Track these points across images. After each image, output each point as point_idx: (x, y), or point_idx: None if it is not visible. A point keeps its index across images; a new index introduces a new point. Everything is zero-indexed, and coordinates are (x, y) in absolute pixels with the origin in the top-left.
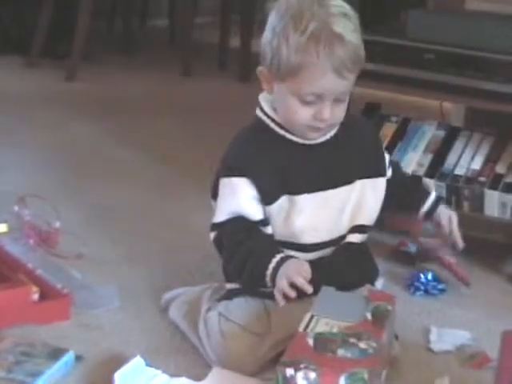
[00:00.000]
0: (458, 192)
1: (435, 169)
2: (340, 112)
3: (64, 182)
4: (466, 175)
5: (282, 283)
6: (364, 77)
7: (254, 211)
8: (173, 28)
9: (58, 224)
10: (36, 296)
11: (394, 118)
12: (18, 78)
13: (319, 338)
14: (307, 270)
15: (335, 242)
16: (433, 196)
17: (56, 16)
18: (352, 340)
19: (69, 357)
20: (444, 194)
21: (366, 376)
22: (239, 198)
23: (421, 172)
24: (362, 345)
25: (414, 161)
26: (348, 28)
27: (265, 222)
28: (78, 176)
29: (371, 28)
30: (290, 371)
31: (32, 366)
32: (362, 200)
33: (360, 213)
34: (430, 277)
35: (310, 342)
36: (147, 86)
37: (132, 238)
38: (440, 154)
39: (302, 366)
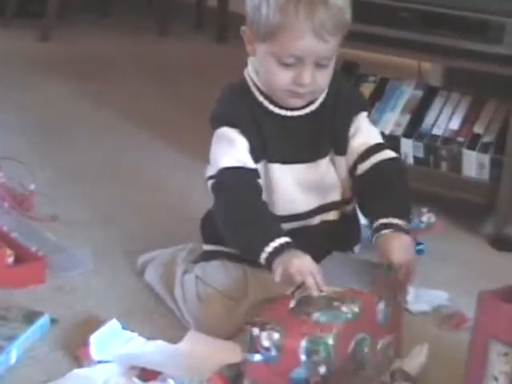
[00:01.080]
0: (436, 152)
1: (413, 129)
2: (322, 78)
3: (39, 144)
4: (443, 135)
5: (294, 275)
6: None
7: (250, 160)
8: None
9: (32, 186)
10: (11, 259)
11: (371, 78)
12: None
13: (302, 300)
14: (319, 271)
15: (309, 215)
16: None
17: None
18: (335, 303)
19: (44, 320)
20: (422, 154)
21: (330, 341)
22: (237, 146)
23: (399, 132)
24: (344, 308)
25: (391, 121)
26: None
27: (258, 174)
28: (52, 138)
29: None
30: (255, 330)
31: (7, 330)
32: (329, 177)
33: (330, 190)
34: None
35: (291, 304)
36: (123, 45)
37: (107, 199)
38: (418, 114)
39: (267, 326)
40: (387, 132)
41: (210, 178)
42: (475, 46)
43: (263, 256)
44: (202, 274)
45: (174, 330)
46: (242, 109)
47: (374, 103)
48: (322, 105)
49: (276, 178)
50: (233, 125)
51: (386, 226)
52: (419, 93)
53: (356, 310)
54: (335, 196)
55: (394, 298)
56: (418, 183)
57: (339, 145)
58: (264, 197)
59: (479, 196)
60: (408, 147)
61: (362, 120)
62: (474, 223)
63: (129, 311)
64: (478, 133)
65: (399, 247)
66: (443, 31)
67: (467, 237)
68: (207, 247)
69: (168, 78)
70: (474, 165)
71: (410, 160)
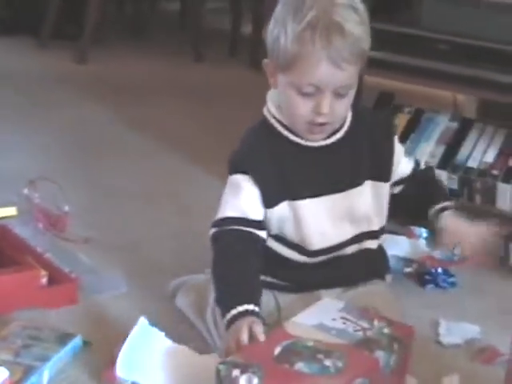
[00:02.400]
0: (471, 184)
1: (448, 160)
2: (340, 108)
3: (74, 165)
4: (478, 168)
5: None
6: (378, 66)
7: (255, 211)
8: (184, 12)
9: (66, 208)
10: (44, 280)
11: (407, 109)
12: (28, 59)
13: (288, 348)
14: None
15: (343, 245)
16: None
17: None
18: (319, 356)
19: (76, 342)
20: (456, 186)
21: None
22: (242, 195)
23: (433, 163)
24: (327, 362)
25: (426, 152)
26: (350, 18)
27: (262, 225)
28: (87, 159)
29: (385, 16)
30: (235, 372)
31: (40, 350)
32: (366, 205)
33: (366, 219)
34: (440, 270)
35: (277, 350)
36: (157, 69)
37: (141, 222)
38: (453, 145)
39: (249, 369)
40: (422, 163)
41: (213, 226)
42: (511, 79)
43: (227, 317)
44: None
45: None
46: (260, 151)
47: (409, 134)
48: (348, 132)
49: (304, 213)
50: (245, 172)
51: (446, 208)
52: (454, 124)
53: (340, 364)
54: (371, 226)
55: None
56: None
57: (381, 171)
58: (293, 235)
59: None
60: (442, 179)
61: (397, 144)
62: (507, 256)
63: None
64: None
65: (465, 226)
66: (480, 64)
67: (500, 270)
68: None
69: (202, 103)
70: (508, 198)
71: None
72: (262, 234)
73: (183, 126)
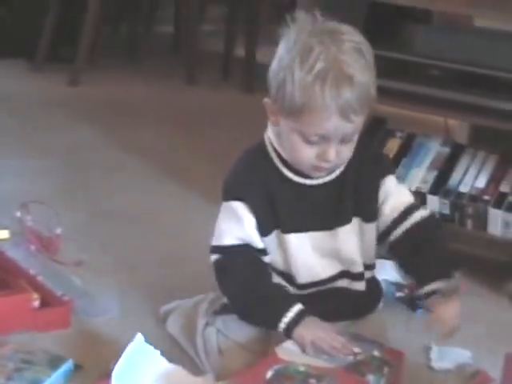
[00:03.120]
0: (462, 210)
1: (439, 186)
2: (346, 152)
3: (66, 188)
4: (470, 193)
5: (320, 341)
6: None
7: (256, 238)
8: (178, 35)
9: (59, 230)
10: (37, 303)
11: (399, 134)
12: (22, 81)
13: (279, 372)
14: (337, 338)
15: (332, 280)
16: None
17: (61, 20)
18: (311, 380)
19: (68, 366)
20: (448, 211)
21: None
22: (244, 223)
23: (425, 188)
24: None
25: (418, 177)
26: (359, 66)
27: (265, 251)
28: (79, 182)
29: (377, 42)
30: None
31: (32, 373)
32: (352, 244)
33: (350, 259)
34: None
35: (268, 374)
36: (151, 92)
37: (133, 246)
38: (444, 171)
39: None
40: (413, 188)
41: (213, 252)
42: (503, 105)
43: (282, 327)
44: (223, 327)
45: None
46: (253, 179)
47: (400, 159)
48: (344, 171)
49: (293, 246)
50: (240, 198)
51: (435, 292)
52: (446, 150)
53: None
54: (357, 267)
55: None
56: None
57: (367, 211)
58: (281, 266)
59: (504, 255)
60: (434, 204)
61: (389, 184)
62: (498, 282)
63: None
64: (504, 191)
65: (451, 314)
66: (472, 89)
67: (491, 295)
68: None
69: (194, 126)
70: (499, 223)
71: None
72: (267, 259)
73: (176, 150)
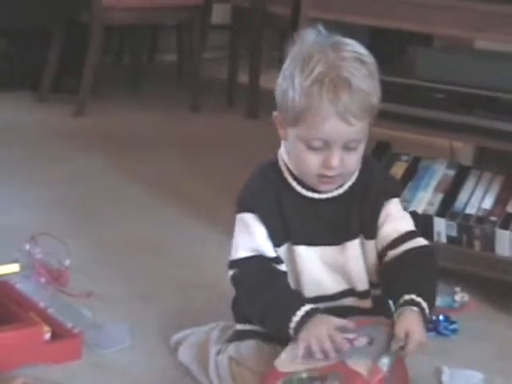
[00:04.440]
0: (469, 231)
1: (446, 208)
2: (351, 161)
3: (73, 219)
4: (476, 214)
5: (311, 343)
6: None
7: (268, 248)
8: (181, 63)
9: (68, 262)
10: (48, 335)
11: (404, 157)
12: (27, 113)
13: (288, 381)
14: (337, 334)
15: (339, 296)
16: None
17: (65, 51)
18: (316, 383)
19: None
20: (455, 233)
21: None
22: (255, 234)
23: (432, 211)
24: None
25: (424, 200)
26: (358, 73)
27: (279, 259)
28: (87, 213)
29: (380, 66)
30: None
31: None
32: (357, 260)
33: (357, 275)
34: (441, 317)
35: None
36: (155, 121)
37: (142, 275)
38: (450, 193)
39: None
40: (420, 211)
41: (230, 267)
42: (508, 127)
43: (292, 326)
44: (235, 354)
45: None
46: (265, 192)
47: (406, 182)
48: (352, 188)
49: (301, 259)
50: (251, 210)
51: (409, 302)
52: (451, 172)
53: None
54: (362, 285)
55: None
56: (451, 262)
57: (368, 229)
58: (290, 279)
59: None
60: (441, 226)
61: (392, 206)
62: (507, 302)
63: None
64: (511, 212)
65: (418, 327)
66: (475, 111)
67: (500, 316)
68: (240, 326)
69: (199, 154)
70: (507, 244)
71: (443, 239)
72: (282, 267)
73: (182, 177)
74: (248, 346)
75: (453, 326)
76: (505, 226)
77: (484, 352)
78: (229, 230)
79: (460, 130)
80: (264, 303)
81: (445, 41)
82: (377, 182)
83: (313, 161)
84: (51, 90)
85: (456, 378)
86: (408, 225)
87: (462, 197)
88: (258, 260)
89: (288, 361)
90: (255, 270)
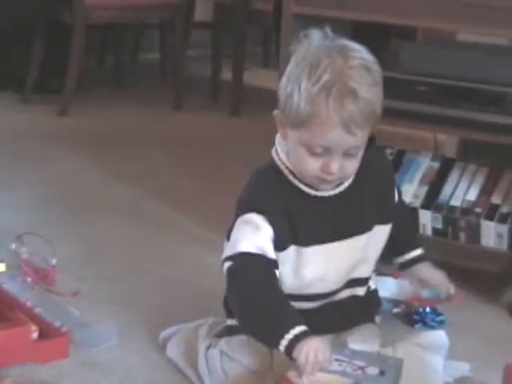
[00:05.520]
0: (455, 223)
1: (431, 200)
2: (351, 166)
3: (59, 219)
4: (461, 206)
5: (304, 362)
6: None
7: (271, 250)
8: (164, 61)
9: (54, 261)
10: (35, 335)
11: (389, 151)
12: (11, 113)
13: None
14: (328, 357)
15: (338, 291)
16: (415, 253)
17: (48, 52)
18: None
19: None
20: (441, 225)
21: None
22: (261, 233)
23: (417, 203)
24: None
25: (409, 193)
26: (365, 82)
27: (277, 264)
28: (72, 212)
29: None
30: None
31: None
32: (367, 251)
33: (362, 265)
34: (428, 309)
35: None
36: (139, 119)
37: (129, 273)
38: (435, 185)
39: None
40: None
41: (227, 259)
42: (491, 118)
43: (283, 343)
44: (226, 348)
45: None
46: (271, 195)
47: None
48: (355, 180)
49: (308, 259)
50: (261, 212)
51: (418, 258)
52: (436, 164)
53: None
54: (364, 272)
55: None
56: (437, 254)
57: (385, 213)
58: (291, 277)
59: (498, 266)
60: (426, 218)
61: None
62: (493, 293)
63: None
64: (495, 203)
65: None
66: (460, 104)
67: (487, 307)
68: (231, 322)
69: (183, 152)
70: (492, 235)
71: (429, 231)
72: (277, 273)
73: (165, 176)
74: (239, 340)
75: (439, 318)
76: (490, 218)
77: (471, 343)
78: (213, 227)
79: (444, 122)
80: (258, 307)
81: (428, 34)
82: (388, 172)
83: (313, 165)
84: (35, 91)
85: (443, 369)
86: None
87: (447, 189)
88: (261, 259)
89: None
90: (258, 270)
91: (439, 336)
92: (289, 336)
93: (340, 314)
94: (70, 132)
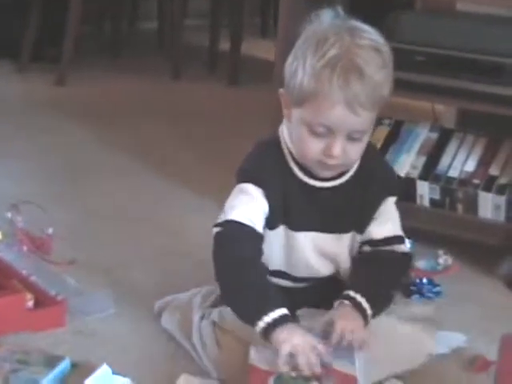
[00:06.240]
0: (452, 194)
1: (429, 171)
2: (354, 151)
3: (56, 188)
4: (459, 177)
5: (296, 353)
6: None
7: (260, 225)
8: (162, 31)
9: (51, 230)
10: (31, 303)
11: (386, 121)
12: (7, 83)
13: (279, 380)
14: (314, 349)
15: (327, 278)
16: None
17: (45, 20)
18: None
19: (65, 364)
20: (438, 196)
21: None
22: (255, 206)
23: (414, 174)
24: None
25: (407, 163)
26: (373, 62)
27: (263, 238)
28: (69, 181)
29: None
30: None
31: (28, 374)
32: (345, 252)
33: (344, 262)
34: (424, 280)
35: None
36: (137, 89)
37: (125, 243)
38: (433, 156)
39: None
40: (403, 174)
41: (217, 225)
42: (490, 89)
43: (261, 325)
44: (219, 319)
45: (195, 374)
46: (271, 171)
47: (389, 146)
48: (353, 179)
49: (296, 243)
50: (259, 184)
51: (349, 298)
52: (434, 135)
53: None
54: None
55: None
56: (434, 225)
57: (361, 223)
58: (281, 258)
59: (495, 237)
60: (424, 189)
61: (387, 206)
62: (490, 264)
63: (151, 355)
64: (493, 174)
65: (348, 321)
66: (458, 74)
67: (483, 278)
68: None
69: (181, 121)
70: (489, 206)
71: (426, 202)
72: (263, 247)
73: (164, 146)
74: (231, 311)
75: (436, 289)
76: (487, 189)
77: (467, 314)
78: (210, 197)
79: (442, 92)
80: (239, 281)
81: (426, 3)
82: (379, 177)
83: (314, 146)
84: (31, 59)
85: (439, 340)
86: (394, 229)
87: (445, 160)
88: (250, 232)
89: (265, 360)
90: (244, 240)
91: (424, 309)
92: (268, 319)
93: (321, 294)
94: (67, 101)
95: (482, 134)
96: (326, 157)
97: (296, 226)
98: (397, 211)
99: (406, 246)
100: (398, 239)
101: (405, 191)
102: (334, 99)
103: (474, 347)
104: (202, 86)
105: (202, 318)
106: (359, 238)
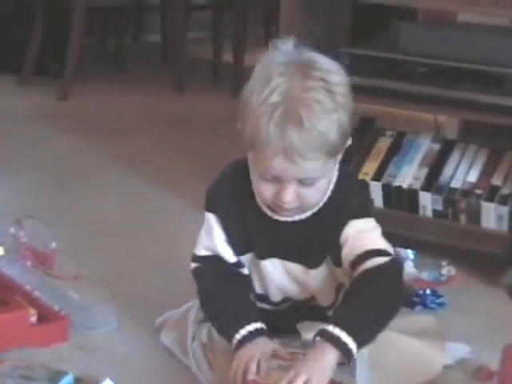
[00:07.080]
0: (455, 205)
1: (431, 182)
2: (309, 196)
3: (59, 202)
4: (462, 188)
5: (239, 364)
6: (357, 91)
7: (228, 253)
8: (165, 43)
9: (54, 245)
10: (34, 318)
11: (389, 133)
12: (10, 96)
13: None
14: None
15: (307, 300)
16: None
17: (47, 33)
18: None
19: (68, 379)
20: (441, 207)
21: None
22: (214, 236)
23: (417, 185)
24: None
25: (410, 174)
26: (318, 108)
27: (239, 264)
28: (72, 196)
29: (363, 41)
30: None
31: None
32: (316, 284)
33: (317, 295)
34: (428, 291)
35: None
36: (140, 102)
37: (128, 257)
38: (436, 167)
39: None
40: (405, 186)
41: (192, 260)
42: (492, 99)
43: (237, 338)
44: (208, 339)
45: None
46: (230, 198)
47: (391, 157)
48: (320, 211)
49: (267, 270)
50: (216, 212)
51: (325, 334)
52: (436, 146)
53: None
54: (325, 302)
55: None
56: (437, 236)
57: (332, 255)
58: (256, 284)
59: (498, 247)
60: (427, 200)
61: (349, 230)
62: (493, 275)
63: (153, 370)
64: (496, 185)
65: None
66: (460, 85)
67: (487, 288)
68: None
69: (184, 133)
70: (492, 217)
71: (429, 213)
72: (244, 270)
73: (167, 158)
74: None
75: (440, 300)
76: (490, 199)
77: (471, 325)
78: None
79: (444, 103)
80: (217, 308)
81: (429, 15)
82: (336, 210)
83: (267, 190)
84: (34, 73)
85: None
86: (368, 244)
87: (447, 170)
88: (217, 261)
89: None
90: (213, 272)
91: (424, 320)
92: (238, 336)
93: (305, 316)
94: (70, 115)
95: (485, 145)
96: (278, 201)
97: (260, 253)
98: (374, 229)
99: (392, 255)
100: (375, 252)
101: (407, 203)
102: (272, 150)
103: (479, 358)
104: (205, 98)
105: (193, 338)
106: (340, 270)
